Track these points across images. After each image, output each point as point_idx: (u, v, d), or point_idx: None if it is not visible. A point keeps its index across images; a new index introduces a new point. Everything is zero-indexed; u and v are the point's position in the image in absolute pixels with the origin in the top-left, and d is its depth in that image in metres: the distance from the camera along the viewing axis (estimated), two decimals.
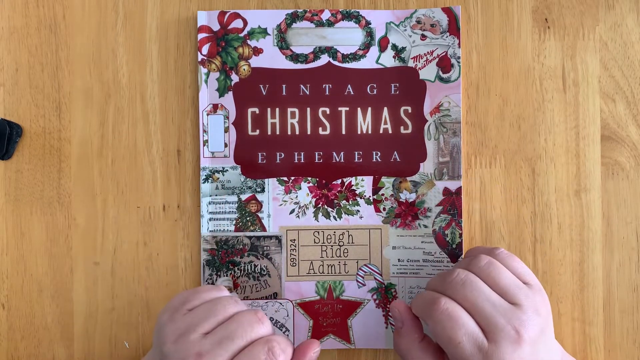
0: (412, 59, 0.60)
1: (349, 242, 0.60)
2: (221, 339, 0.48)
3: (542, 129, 0.60)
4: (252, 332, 0.49)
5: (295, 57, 0.61)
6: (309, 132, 0.60)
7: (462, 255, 0.59)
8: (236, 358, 0.48)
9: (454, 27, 0.60)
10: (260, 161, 0.60)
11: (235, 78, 0.60)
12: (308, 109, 0.61)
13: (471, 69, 0.61)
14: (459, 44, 0.60)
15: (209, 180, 0.60)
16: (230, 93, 0.60)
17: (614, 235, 0.60)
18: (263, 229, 0.60)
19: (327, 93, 0.60)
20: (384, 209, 0.60)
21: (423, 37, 0.60)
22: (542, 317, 0.49)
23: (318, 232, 0.60)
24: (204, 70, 0.60)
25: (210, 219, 0.60)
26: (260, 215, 0.60)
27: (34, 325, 0.61)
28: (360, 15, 0.61)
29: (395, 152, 0.60)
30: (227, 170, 0.60)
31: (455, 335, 0.49)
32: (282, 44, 0.60)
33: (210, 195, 0.60)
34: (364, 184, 0.60)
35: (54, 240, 0.61)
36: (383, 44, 0.60)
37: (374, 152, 0.60)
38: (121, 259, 0.61)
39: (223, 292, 0.53)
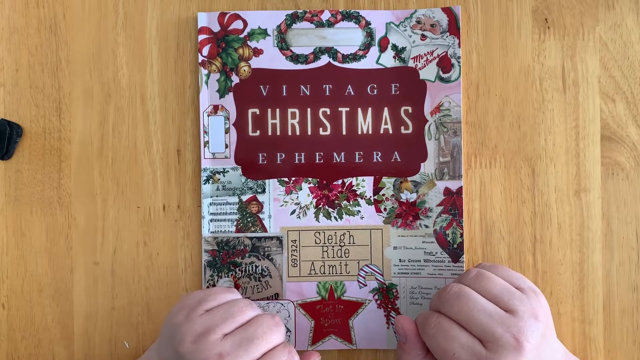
0: (412, 59, 0.60)
1: (350, 243, 0.60)
2: (241, 341, 0.49)
3: (542, 129, 0.60)
4: (271, 336, 0.50)
5: (295, 58, 0.61)
6: (309, 133, 0.60)
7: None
8: None
9: (454, 27, 0.60)
10: (260, 162, 0.60)
11: (235, 79, 0.60)
12: (308, 110, 0.61)
13: (471, 69, 0.61)
14: (459, 43, 0.60)
15: (210, 181, 0.60)
16: (231, 94, 0.60)
17: (614, 235, 0.60)
18: (264, 229, 0.60)
19: (327, 93, 0.60)
20: (385, 209, 0.60)
21: (423, 37, 0.60)
22: (541, 321, 0.49)
23: (319, 233, 0.60)
24: (204, 71, 0.60)
25: (211, 220, 0.60)
26: (261, 216, 0.60)
27: (34, 325, 0.61)
28: (360, 15, 0.61)
29: (395, 152, 0.60)
30: (228, 171, 0.60)
31: (450, 347, 0.49)
32: (282, 44, 0.60)
33: (211, 196, 0.60)
34: (364, 184, 0.60)
35: (54, 240, 0.61)
36: (383, 44, 0.61)
37: (375, 153, 0.60)
38: (121, 259, 0.61)
39: (237, 294, 0.54)
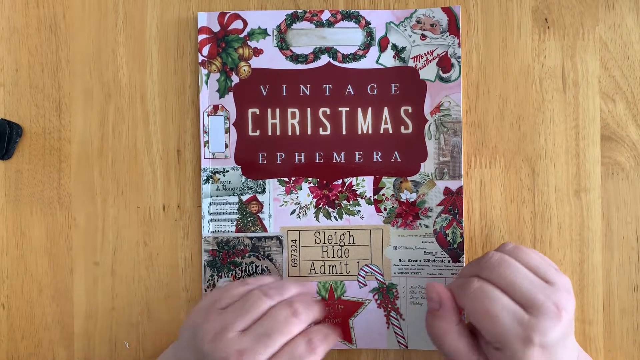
0: (412, 58, 0.60)
1: (350, 243, 0.60)
2: (259, 337, 0.49)
3: (542, 129, 0.60)
4: (287, 327, 0.50)
5: (295, 58, 0.61)
6: (309, 133, 0.60)
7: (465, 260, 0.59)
8: (277, 354, 0.49)
9: (454, 27, 0.60)
10: (260, 162, 0.60)
11: (235, 79, 0.60)
12: (308, 110, 0.61)
13: (471, 69, 0.61)
14: (459, 43, 0.60)
15: (210, 181, 0.60)
16: (231, 94, 0.60)
17: (614, 235, 0.60)
18: (264, 229, 0.60)
19: (327, 93, 0.60)
20: (385, 209, 0.60)
21: (423, 37, 0.60)
22: (572, 296, 0.50)
23: (319, 233, 0.60)
24: (204, 71, 0.60)
25: (211, 220, 0.60)
26: (261, 215, 0.60)
27: (34, 325, 0.61)
28: (360, 15, 0.61)
29: (395, 152, 0.60)
30: (228, 171, 0.60)
31: (492, 308, 0.49)
32: (282, 44, 0.60)
33: (211, 196, 0.60)
34: (364, 184, 0.60)
35: (54, 240, 0.61)
36: (383, 44, 0.60)
37: (375, 152, 0.60)
38: (121, 259, 0.61)
39: (251, 284, 0.54)
